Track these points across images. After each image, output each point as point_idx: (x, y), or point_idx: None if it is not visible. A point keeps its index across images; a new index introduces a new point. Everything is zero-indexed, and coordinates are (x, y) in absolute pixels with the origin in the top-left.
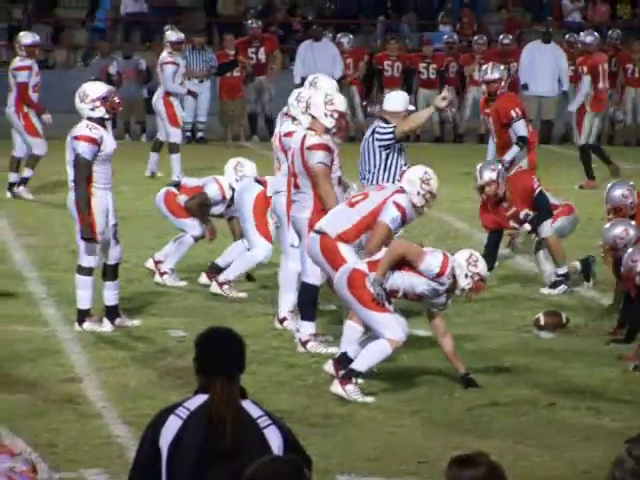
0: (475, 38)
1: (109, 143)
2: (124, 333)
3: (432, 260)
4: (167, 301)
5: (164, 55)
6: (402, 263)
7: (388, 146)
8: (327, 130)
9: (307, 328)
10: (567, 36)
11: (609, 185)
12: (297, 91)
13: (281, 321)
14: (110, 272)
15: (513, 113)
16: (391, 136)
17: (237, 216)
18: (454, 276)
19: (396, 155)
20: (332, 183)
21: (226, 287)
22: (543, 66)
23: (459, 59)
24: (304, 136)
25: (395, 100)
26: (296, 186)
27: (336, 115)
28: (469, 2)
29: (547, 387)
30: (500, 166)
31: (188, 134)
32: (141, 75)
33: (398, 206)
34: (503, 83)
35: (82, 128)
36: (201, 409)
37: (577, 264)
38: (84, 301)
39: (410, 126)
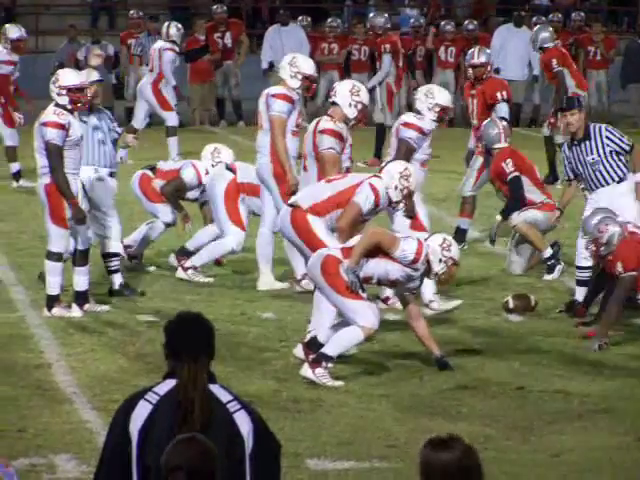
0: (442, 24)
1: (77, 128)
2: (93, 319)
3: (407, 247)
4: (136, 286)
5: (163, 43)
6: (376, 250)
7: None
8: (347, 119)
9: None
10: (534, 19)
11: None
12: (292, 55)
13: (299, 281)
14: (81, 257)
15: (499, 95)
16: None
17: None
18: (428, 261)
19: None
20: (340, 170)
21: (190, 272)
22: (514, 50)
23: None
24: (319, 120)
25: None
26: (304, 168)
27: (360, 107)
28: None
29: (516, 370)
30: (505, 123)
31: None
32: (109, 61)
33: (373, 189)
34: (489, 67)
35: (50, 114)
36: (170, 394)
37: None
38: (53, 287)
39: None
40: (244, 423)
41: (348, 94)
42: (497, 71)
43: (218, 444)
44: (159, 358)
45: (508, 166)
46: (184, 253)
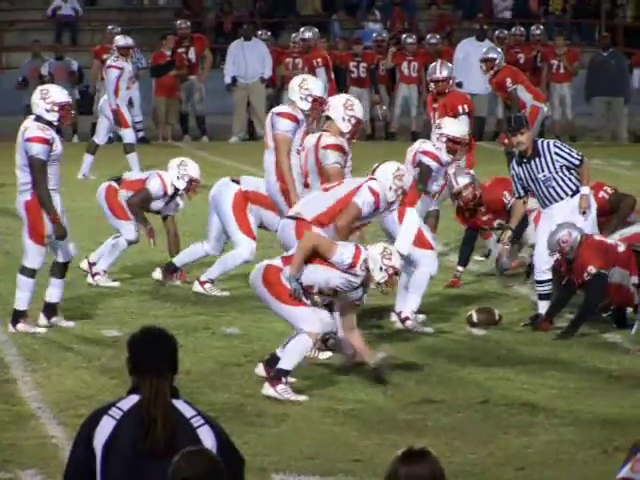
0: (404, 37)
1: (58, 144)
2: (58, 334)
3: (344, 251)
4: (101, 302)
5: (110, 59)
6: (315, 255)
7: None
8: (342, 134)
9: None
10: (497, 32)
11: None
12: (302, 77)
13: None
14: (58, 269)
15: (460, 108)
16: None
17: (172, 215)
18: (368, 269)
19: None
20: None
21: (208, 286)
22: (477, 63)
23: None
24: (320, 136)
25: None
26: (306, 185)
27: (353, 121)
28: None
29: (481, 383)
30: (472, 171)
31: (140, 134)
32: (72, 76)
33: (372, 191)
34: (451, 81)
35: (34, 130)
36: (134, 409)
37: (527, 258)
38: (22, 302)
39: None
40: (208, 438)
41: (342, 108)
42: (460, 85)
43: None
44: (124, 373)
45: (507, 197)
46: (172, 269)
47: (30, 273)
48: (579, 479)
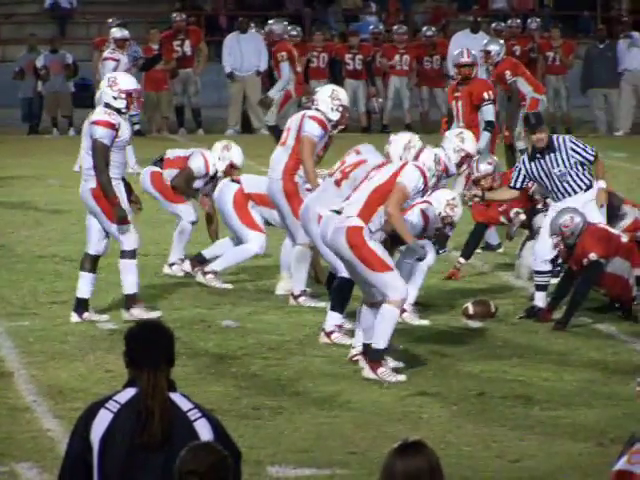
0: (395, 28)
1: (125, 130)
2: (54, 327)
3: (412, 178)
4: (97, 294)
5: (106, 51)
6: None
7: None
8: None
9: (334, 319)
10: (494, 25)
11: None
12: (330, 87)
13: (296, 297)
14: (89, 263)
15: (486, 95)
16: None
17: (210, 195)
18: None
19: None
20: None
21: (210, 276)
22: None
23: (383, 50)
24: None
25: None
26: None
27: (414, 151)
28: None
29: (476, 376)
30: (496, 159)
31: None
32: (68, 69)
33: (423, 213)
34: (476, 68)
35: (101, 114)
36: (131, 402)
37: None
38: (131, 286)
39: None
40: (205, 431)
41: (402, 148)
42: (453, 77)
43: (179, 452)
44: (120, 366)
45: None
46: (200, 260)
47: (131, 255)
48: (575, 471)
